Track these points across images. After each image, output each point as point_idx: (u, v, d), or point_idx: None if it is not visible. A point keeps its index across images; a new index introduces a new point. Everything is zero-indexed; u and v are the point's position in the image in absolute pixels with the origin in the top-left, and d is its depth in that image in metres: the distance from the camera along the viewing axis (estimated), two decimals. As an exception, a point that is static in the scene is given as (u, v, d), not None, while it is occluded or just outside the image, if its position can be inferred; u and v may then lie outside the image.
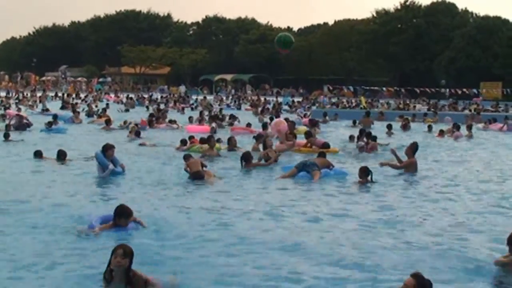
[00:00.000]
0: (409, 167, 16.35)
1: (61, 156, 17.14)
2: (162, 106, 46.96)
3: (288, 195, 13.17)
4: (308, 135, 21.95)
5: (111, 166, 14.32)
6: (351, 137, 23.93)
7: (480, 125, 34.00)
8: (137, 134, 24.38)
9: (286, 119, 25.76)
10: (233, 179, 15.11)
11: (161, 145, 21.94)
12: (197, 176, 14.31)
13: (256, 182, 14.86)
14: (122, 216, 9.32)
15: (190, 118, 32.86)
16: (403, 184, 14.96)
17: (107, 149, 14.63)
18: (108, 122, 28.72)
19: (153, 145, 21.78)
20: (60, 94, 64.49)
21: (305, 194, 13.30)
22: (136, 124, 27.24)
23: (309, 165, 15.16)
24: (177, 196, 12.83)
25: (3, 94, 60.68)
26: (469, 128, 28.70)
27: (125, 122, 29.10)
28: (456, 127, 28.69)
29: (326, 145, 20.35)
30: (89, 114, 37.27)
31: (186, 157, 15.38)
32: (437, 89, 69.65)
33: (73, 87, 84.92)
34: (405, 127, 31.89)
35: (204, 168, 14.79)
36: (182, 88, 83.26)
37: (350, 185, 14.34)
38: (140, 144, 21.83)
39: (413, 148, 16.79)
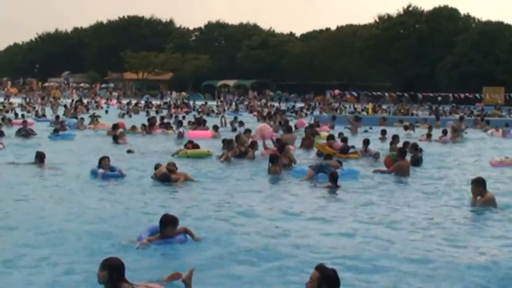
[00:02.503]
0: (398, 170, 16.75)
1: (41, 157, 17.35)
2: (164, 112, 47.18)
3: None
4: (330, 137, 22.33)
5: (100, 171, 15.44)
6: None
7: (490, 132, 33.80)
8: (115, 139, 24.51)
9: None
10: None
11: (150, 151, 22.00)
12: (163, 178, 14.86)
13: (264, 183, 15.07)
14: (168, 225, 9.07)
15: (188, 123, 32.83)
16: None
17: (101, 161, 15.78)
18: (115, 127, 28.42)
19: (140, 152, 21.85)
20: (62, 100, 64.55)
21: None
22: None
23: (325, 166, 15.83)
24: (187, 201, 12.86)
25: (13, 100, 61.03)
26: (454, 131, 29.28)
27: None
28: (444, 131, 29.27)
29: (344, 149, 20.78)
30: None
31: (156, 167, 15.67)
32: (439, 94, 69.68)
33: (55, 92, 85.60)
34: (407, 130, 31.90)
35: (176, 174, 15.14)
36: (174, 95, 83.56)
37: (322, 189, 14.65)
38: (128, 151, 21.71)
39: (401, 151, 17.39)
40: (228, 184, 15.17)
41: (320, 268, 6.29)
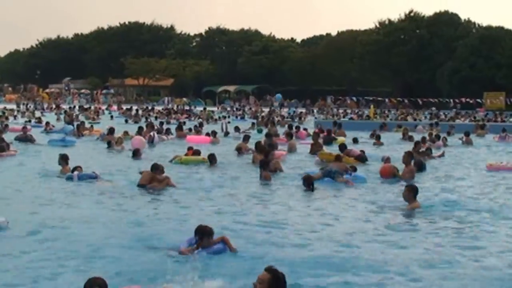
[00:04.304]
0: (407, 175, 17.05)
1: (65, 159, 17.37)
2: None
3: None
4: (342, 147, 21.71)
5: (75, 173, 16.14)
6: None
7: (497, 137, 33.61)
8: (109, 144, 24.58)
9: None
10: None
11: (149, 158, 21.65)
12: (140, 186, 15.19)
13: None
14: (204, 236, 9.01)
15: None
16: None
17: (74, 170, 16.34)
18: (112, 132, 28.37)
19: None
20: (64, 106, 64.53)
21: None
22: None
23: (334, 172, 16.27)
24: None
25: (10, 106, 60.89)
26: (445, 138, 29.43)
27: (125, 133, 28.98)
28: (437, 136, 29.38)
29: (361, 158, 20.56)
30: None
31: (153, 167, 15.85)
32: (440, 100, 69.69)
33: (48, 96, 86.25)
34: (404, 136, 31.93)
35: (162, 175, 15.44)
36: (166, 100, 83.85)
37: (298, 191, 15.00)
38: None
39: (410, 155, 17.76)
40: (221, 191, 15.13)
41: (272, 270, 6.31)
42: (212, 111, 59.43)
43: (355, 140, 28.24)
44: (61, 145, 25.47)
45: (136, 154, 21.30)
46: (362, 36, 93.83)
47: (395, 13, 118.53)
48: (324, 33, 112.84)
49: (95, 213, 12.13)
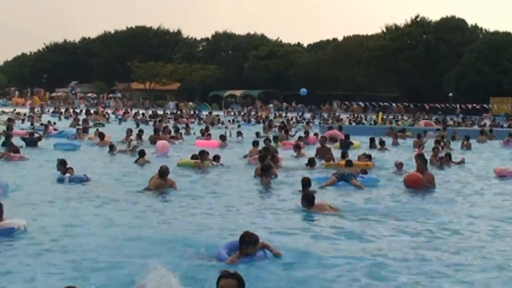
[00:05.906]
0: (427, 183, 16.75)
1: (63, 164, 17.37)
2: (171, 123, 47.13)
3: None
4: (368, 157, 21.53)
5: (67, 175, 16.47)
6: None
7: (501, 142, 33.45)
8: (111, 148, 24.58)
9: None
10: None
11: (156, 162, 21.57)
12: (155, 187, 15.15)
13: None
14: (249, 244, 8.80)
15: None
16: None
17: (65, 172, 16.69)
18: (102, 136, 28.52)
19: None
20: (72, 110, 64.54)
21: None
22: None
23: (347, 175, 16.46)
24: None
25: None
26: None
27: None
28: (437, 142, 29.03)
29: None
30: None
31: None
32: (446, 105, 69.59)
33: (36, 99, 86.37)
34: (394, 141, 31.96)
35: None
36: (172, 105, 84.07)
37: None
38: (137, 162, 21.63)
39: (425, 162, 17.42)
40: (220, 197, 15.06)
41: (235, 275, 6.04)
42: (218, 115, 59.36)
43: (372, 141, 28.43)
44: (69, 148, 25.49)
45: (142, 155, 21.32)
46: (368, 41, 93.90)
47: (402, 18, 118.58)
48: (331, 38, 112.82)
49: (103, 216, 12.19)
